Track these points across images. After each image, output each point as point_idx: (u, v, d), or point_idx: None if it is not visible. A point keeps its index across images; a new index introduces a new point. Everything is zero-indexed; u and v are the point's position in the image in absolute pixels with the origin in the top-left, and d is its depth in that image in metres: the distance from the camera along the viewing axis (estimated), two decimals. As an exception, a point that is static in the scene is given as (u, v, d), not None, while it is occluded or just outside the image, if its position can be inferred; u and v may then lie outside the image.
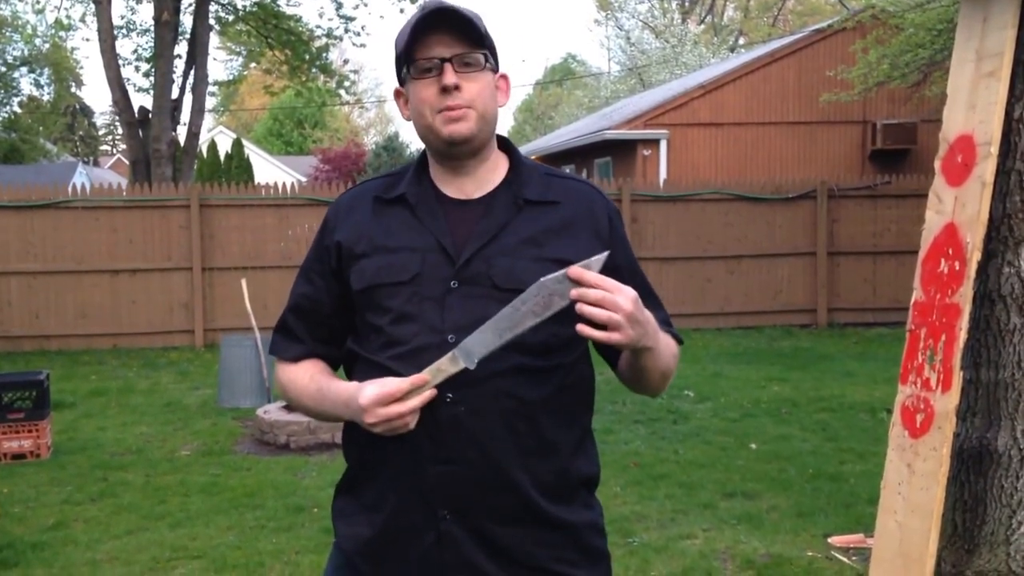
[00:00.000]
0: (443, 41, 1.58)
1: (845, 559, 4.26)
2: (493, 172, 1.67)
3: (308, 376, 1.70)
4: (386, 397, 1.49)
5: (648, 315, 1.53)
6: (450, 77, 1.57)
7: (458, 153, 1.63)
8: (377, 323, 1.61)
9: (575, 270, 1.45)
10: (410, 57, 1.60)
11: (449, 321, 1.56)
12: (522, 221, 1.62)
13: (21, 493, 5.45)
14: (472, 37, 1.59)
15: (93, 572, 4.26)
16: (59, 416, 7.31)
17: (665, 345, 1.62)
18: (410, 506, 1.59)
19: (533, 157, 23.76)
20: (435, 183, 1.68)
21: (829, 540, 4.50)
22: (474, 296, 1.57)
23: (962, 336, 3.33)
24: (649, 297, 1.64)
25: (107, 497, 5.38)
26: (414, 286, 1.59)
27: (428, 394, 1.51)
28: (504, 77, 1.70)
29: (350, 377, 1.69)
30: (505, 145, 1.73)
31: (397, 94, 1.70)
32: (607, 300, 1.44)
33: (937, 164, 3.55)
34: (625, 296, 1.45)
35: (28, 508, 5.18)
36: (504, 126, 61.71)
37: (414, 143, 38.15)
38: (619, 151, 16.19)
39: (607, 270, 1.51)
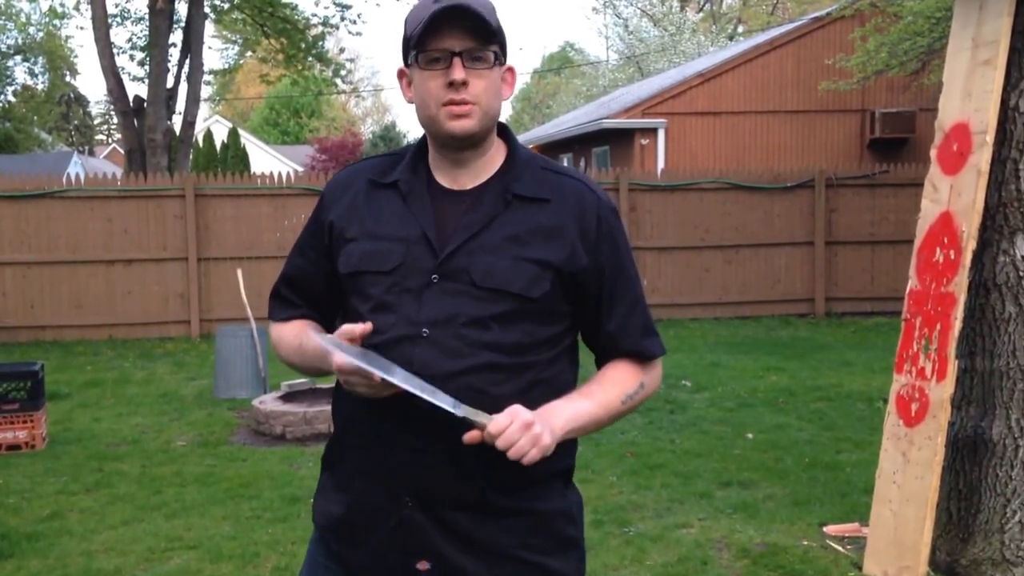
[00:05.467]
0: (456, 34, 1.57)
1: (840, 548, 4.26)
2: (490, 163, 1.67)
3: (294, 333, 1.74)
4: (350, 369, 1.51)
5: (557, 423, 1.54)
6: (459, 72, 1.56)
7: (459, 146, 1.63)
8: (360, 309, 1.63)
9: (476, 437, 1.49)
10: (421, 45, 1.59)
11: (424, 315, 1.57)
12: (509, 217, 1.61)
13: (16, 484, 5.45)
14: (485, 33, 1.58)
15: (88, 563, 4.25)
16: (54, 407, 7.30)
17: (601, 408, 1.64)
18: (375, 489, 1.62)
19: (531, 147, 23.65)
20: (431, 170, 1.68)
21: (824, 529, 4.49)
22: (451, 292, 1.58)
23: (957, 325, 3.32)
24: (629, 302, 1.67)
25: (102, 488, 5.37)
26: (396, 276, 1.60)
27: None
28: (511, 70, 1.69)
29: None
30: (504, 133, 1.72)
31: (401, 74, 1.69)
32: (512, 449, 1.47)
33: (933, 153, 3.54)
34: (520, 435, 1.47)
35: (23, 499, 5.17)
36: (502, 114, 61.76)
37: (411, 132, 38.07)
38: (617, 140, 16.15)
39: (588, 272, 1.60)
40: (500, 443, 1.47)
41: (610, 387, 1.66)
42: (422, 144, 1.71)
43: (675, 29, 31.65)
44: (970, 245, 3.32)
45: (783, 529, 4.53)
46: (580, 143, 18.08)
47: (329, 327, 1.73)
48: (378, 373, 1.48)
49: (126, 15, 17.94)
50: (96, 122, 49.83)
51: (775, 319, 12.21)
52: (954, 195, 3.40)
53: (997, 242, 3.44)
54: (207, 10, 16.46)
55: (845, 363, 9.12)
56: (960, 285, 3.32)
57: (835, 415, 6.95)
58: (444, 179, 1.66)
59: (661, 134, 15.38)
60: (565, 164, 12.67)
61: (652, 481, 5.36)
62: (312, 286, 1.75)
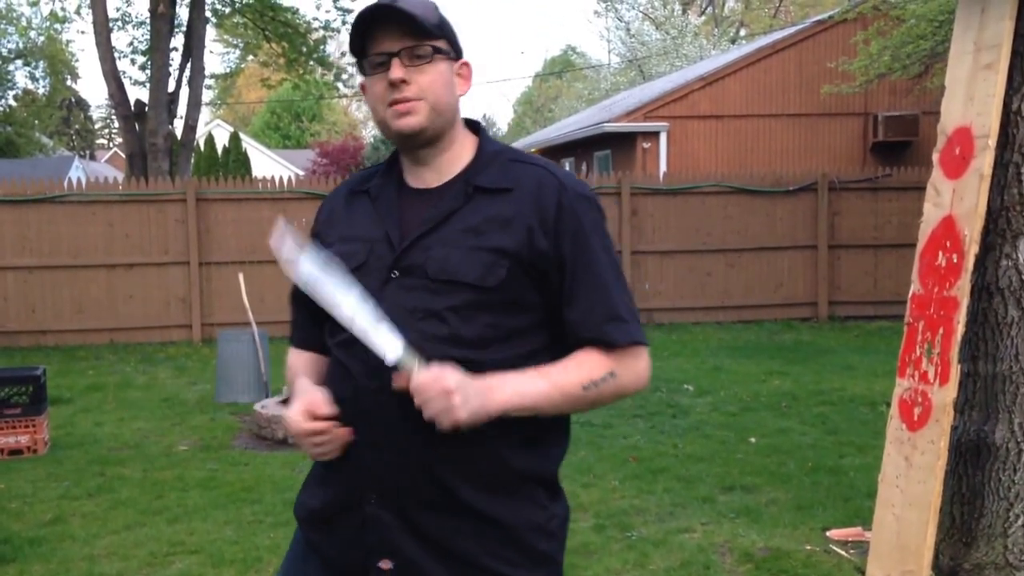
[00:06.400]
0: (391, 35, 1.59)
1: (843, 552, 4.25)
2: (456, 161, 1.67)
3: (291, 368, 1.82)
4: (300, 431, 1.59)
5: (497, 397, 1.51)
6: (396, 71, 1.58)
7: (412, 144, 1.65)
8: None
9: (401, 382, 1.49)
10: (361, 52, 1.63)
11: (383, 311, 1.56)
12: (470, 209, 1.61)
13: (18, 489, 5.45)
14: (419, 30, 1.58)
15: (91, 567, 4.25)
16: (56, 411, 7.29)
17: (555, 389, 1.57)
18: (344, 486, 1.63)
19: (532, 150, 23.56)
20: (403, 173, 1.71)
21: (827, 533, 4.49)
22: (408, 287, 1.59)
23: (960, 329, 3.31)
24: (594, 288, 1.62)
25: (104, 492, 5.37)
26: (359, 275, 1.60)
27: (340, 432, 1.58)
28: (466, 64, 1.70)
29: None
30: (476, 130, 1.73)
31: (362, 88, 1.70)
32: (419, 402, 1.47)
33: (935, 157, 3.53)
34: (438, 405, 1.46)
35: (25, 504, 5.17)
36: (504, 119, 61.47)
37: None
38: (619, 144, 16.16)
39: (550, 258, 1.57)
40: (416, 400, 1.47)
41: (571, 370, 1.59)
42: (397, 150, 1.75)
43: (677, 32, 31.66)
44: (972, 249, 3.32)
45: (786, 534, 4.52)
46: (582, 147, 18.08)
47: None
48: (326, 301, 1.55)
49: (127, 19, 17.92)
50: (97, 126, 49.91)
51: (778, 323, 12.19)
52: (956, 199, 3.40)
53: (1000, 246, 3.44)
54: (208, 14, 16.44)
55: (848, 367, 9.11)
56: (963, 289, 3.32)
57: (838, 419, 6.94)
58: (412, 179, 1.69)
59: (663, 138, 15.39)
60: (567, 168, 12.53)
61: (654, 485, 5.35)
62: (309, 302, 1.72)
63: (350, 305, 1.55)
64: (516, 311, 1.58)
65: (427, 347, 1.52)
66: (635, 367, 1.65)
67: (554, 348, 1.63)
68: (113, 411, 7.64)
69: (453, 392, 1.45)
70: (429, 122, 1.61)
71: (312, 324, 1.74)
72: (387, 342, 1.51)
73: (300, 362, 1.80)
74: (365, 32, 1.59)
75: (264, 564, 4.24)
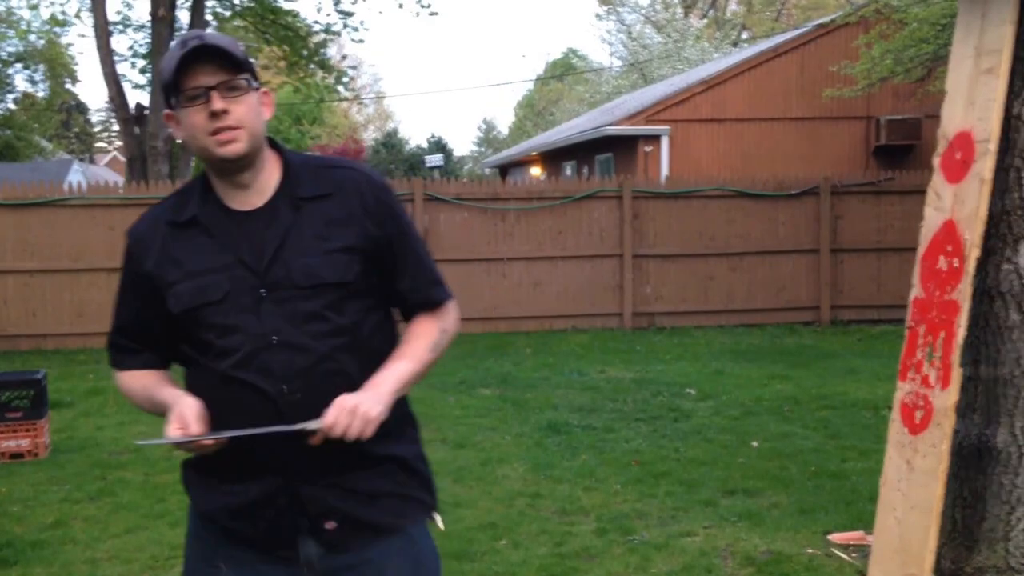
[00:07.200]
0: (206, 71, 1.75)
1: (845, 556, 4.25)
2: (270, 177, 1.86)
3: (140, 387, 1.94)
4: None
5: (385, 389, 1.79)
6: (218, 103, 1.75)
7: (235, 168, 1.82)
8: (205, 338, 1.82)
9: (320, 437, 1.73)
10: (178, 87, 1.77)
11: (268, 325, 1.78)
12: (304, 219, 1.83)
13: (20, 492, 5.46)
14: (233, 64, 1.77)
15: (93, 570, 4.27)
16: (57, 415, 7.30)
17: (416, 362, 1.89)
18: (270, 479, 1.84)
19: (533, 153, 23.44)
20: (221, 198, 1.86)
21: (829, 537, 4.49)
22: (283, 299, 1.79)
23: (961, 333, 3.32)
24: (415, 260, 1.94)
25: (106, 496, 5.39)
26: (229, 303, 1.79)
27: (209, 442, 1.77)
28: (266, 93, 1.89)
29: (188, 376, 1.91)
30: (274, 145, 1.90)
31: (168, 117, 1.85)
32: (342, 431, 1.72)
33: (936, 161, 3.54)
34: (349, 420, 1.72)
35: (27, 507, 5.19)
36: (505, 122, 61.43)
37: (413, 139, 37.95)
38: (620, 147, 16.16)
39: (381, 243, 1.85)
40: (335, 434, 1.71)
41: (419, 342, 1.92)
42: (205, 176, 1.88)
43: (679, 35, 31.69)
44: (973, 253, 3.32)
45: (788, 537, 4.53)
46: (583, 150, 18.07)
47: (171, 359, 1.96)
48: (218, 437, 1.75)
49: (128, 23, 17.82)
50: (96, 130, 49.90)
51: (780, 327, 12.18)
52: (957, 203, 3.40)
53: (1001, 250, 3.44)
54: (208, 17, 16.40)
55: (851, 371, 9.11)
56: (964, 293, 3.32)
57: (840, 423, 6.94)
58: (234, 202, 1.84)
59: (665, 141, 15.39)
60: (568, 172, 12.67)
61: (656, 489, 5.36)
62: (146, 329, 1.92)
63: (228, 433, 1.75)
64: (369, 292, 1.87)
65: (316, 343, 1.78)
66: (453, 315, 2.00)
67: (390, 318, 1.97)
68: (114, 415, 7.66)
69: (358, 406, 1.73)
70: (251, 147, 1.80)
71: (150, 350, 1.94)
72: (283, 428, 1.74)
73: (145, 379, 1.94)
74: (182, 68, 1.75)
75: None
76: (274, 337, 1.78)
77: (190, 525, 2.05)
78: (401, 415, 1.92)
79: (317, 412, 1.74)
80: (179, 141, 1.92)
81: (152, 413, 1.95)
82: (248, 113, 1.79)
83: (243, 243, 1.81)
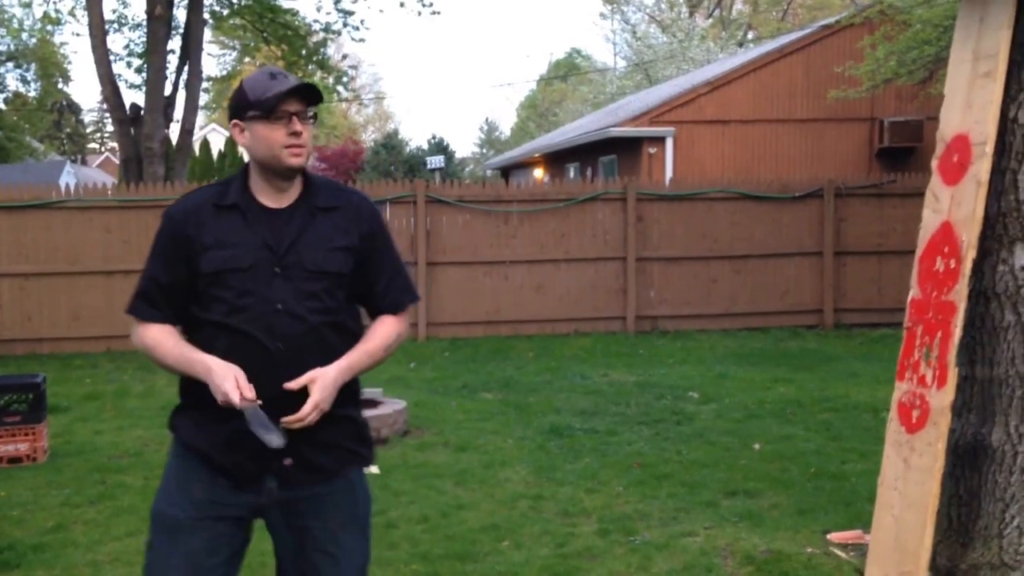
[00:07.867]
0: (294, 101, 2.30)
1: (843, 555, 4.28)
2: (296, 187, 2.39)
3: (173, 342, 2.37)
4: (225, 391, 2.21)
5: (331, 374, 2.27)
6: (298, 126, 2.29)
7: (289, 175, 2.34)
8: (223, 296, 2.29)
9: (288, 421, 2.23)
10: (273, 107, 2.26)
11: (277, 295, 2.29)
12: (317, 223, 2.36)
13: (19, 496, 5.47)
14: (314, 102, 2.33)
15: (95, 573, 4.29)
16: (54, 420, 7.22)
17: (367, 356, 2.39)
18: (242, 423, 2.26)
19: (536, 155, 23.44)
20: (254, 194, 2.36)
21: (828, 536, 4.52)
22: (292, 278, 2.30)
23: (957, 333, 3.35)
24: (392, 270, 2.47)
25: (106, 500, 5.39)
26: (252, 272, 2.29)
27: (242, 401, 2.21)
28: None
29: (191, 333, 2.36)
30: None
31: (235, 124, 2.34)
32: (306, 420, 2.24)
33: (934, 163, 3.58)
34: (318, 401, 2.24)
35: (27, 511, 5.19)
36: (507, 122, 61.31)
37: (413, 140, 37.94)
38: (624, 149, 16.16)
39: (366, 251, 2.39)
40: (307, 422, 2.23)
41: (377, 340, 2.42)
42: (245, 174, 2.37)
43: (684, 35, 31.66)
44: (970, 254, 3.36)
45: (787, 537, 4.56)
46: (587, 152, 18.07)
47: (181, 323, 2.38)
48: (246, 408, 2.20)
49: (123, 21, 17.32)
50: (89, 130, 49.66)
51: (784, 330, 12.16)
52: (954, 205, 3.44)
53: (996, 251, 3.48)
54: (206, 16, 15.93)
55: (852, 374, 9.13)
56: (960, 294, 3.36)
57: (841, 426, 6.97)
58: (267, 200, 2.36)
59: (669, 143, 15.39)
60: (571, 174, 12.83)
61: (658, 491, 5.39)
62: (171, 289, 2.35)
63: (251, 419, 2.21)
64: (350, 284, 2.39)
65: (310, 316, 2.29)
66: (406, 323, 2.52)
67: (354, 305, 2.45)
68: (112, 419, 7.63)
69: (319, 403, 2.25)
70: (307, 162, 2.35)
71: (173, 308, 2.37)
72: (270, 438, 2.20)
73: (174, 334, 2.38)
74: (287, 96, 2.26)
75: (268, 570, 4.24)
76: (279, 305, 2.28)
77: (172, 457, 2.45)
78: (355, 388, 2.44)
79: (300, 368, 2.24)
80: (241, 147, 2.40)
81: (171, 367, 2.34)
82: (309, 138, 2.34)
83: (269, 231, 2.31)
